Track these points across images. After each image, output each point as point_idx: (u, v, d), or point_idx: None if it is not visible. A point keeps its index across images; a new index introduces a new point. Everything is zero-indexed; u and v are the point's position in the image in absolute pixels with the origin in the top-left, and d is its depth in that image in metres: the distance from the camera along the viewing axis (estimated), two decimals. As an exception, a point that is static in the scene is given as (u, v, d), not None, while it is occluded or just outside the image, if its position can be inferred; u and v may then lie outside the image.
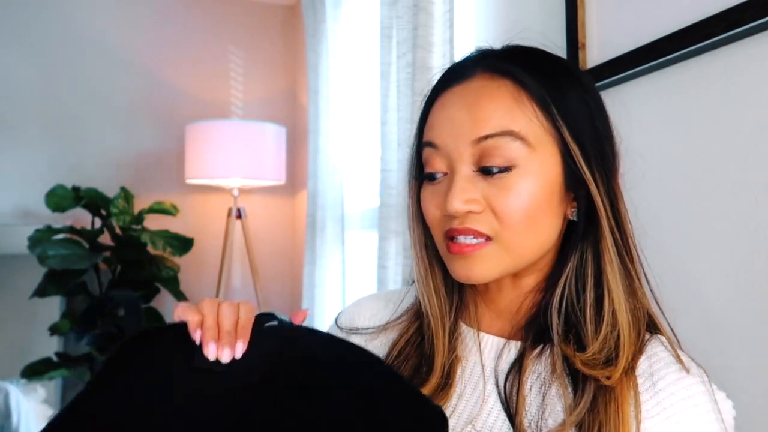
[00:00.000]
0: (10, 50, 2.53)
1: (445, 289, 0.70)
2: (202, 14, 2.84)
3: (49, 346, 2.34)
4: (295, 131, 2.91)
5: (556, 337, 0.62)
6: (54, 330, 2.28)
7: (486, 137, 0.61)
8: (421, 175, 0.68)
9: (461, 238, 0.62)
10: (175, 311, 0.57)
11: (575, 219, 0.65)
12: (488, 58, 0.65)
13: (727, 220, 0.93)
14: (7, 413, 2.15)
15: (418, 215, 0.69)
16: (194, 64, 2.82)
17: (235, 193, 2.53)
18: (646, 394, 0.59)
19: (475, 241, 0.62)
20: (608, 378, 0.58)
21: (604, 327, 0.60)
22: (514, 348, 0.66)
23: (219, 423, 0.51)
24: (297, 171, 2.90)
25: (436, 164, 0.64)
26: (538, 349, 0.63)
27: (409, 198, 0.71)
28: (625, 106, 1.07)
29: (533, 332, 0.65)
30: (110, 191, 2.45)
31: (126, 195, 2.40)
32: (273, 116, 2.88)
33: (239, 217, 2.53)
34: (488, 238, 0.62)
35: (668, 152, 1.02)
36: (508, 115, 0.61)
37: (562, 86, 0.63)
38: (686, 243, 0.99)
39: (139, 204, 2.56)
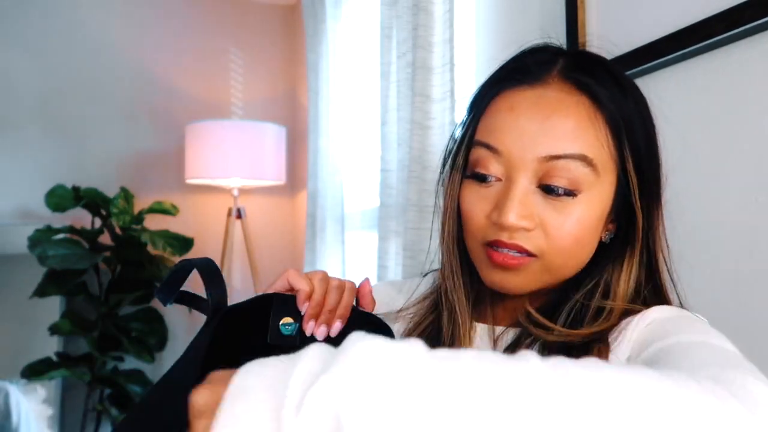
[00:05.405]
0: (10, 50, 2.53)
1: (471, 286, 0.69)
2: (202, 14, 2.84)
3: (49, 346, 2.34)
4: (295, 131, 2.91)
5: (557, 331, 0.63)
6: (54, 330, 2.28)
7: (558, 157, 0.58)
8: (465, 172, 0.64)
9: (505, 250, 0.60)
10: (286, 274, 0.62)
11: (606, 242, 0.64)
12: (565, 64, 0.62)
13: (727, 219, 0.93)
14: (7, 413, 2.15)
15: (456, 211, 0.66)
16: (194, 64, 2.82)
17: (235, 193, 2.53)
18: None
19: (518, 254, 0.60)
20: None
21: (600, 322, 0.61)
22: (512, 333, 0.66)
23: None
24: (297, 171, 2.90)
25: (492, 168, 0.61)
26: (530, 339, 0.64)
27: (447, 190, 0.67)
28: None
29: (530, 323, 0.65)
30: (110, 191, 2.45)
31: (126, 195, 2.40)
32: (273, 116, 2.88)
33: (239, 217, 2.53)
34: (530, 254, 0.60)
35: (667, 152, 1.02)
36: (583, 137, 0.58)
37: (632, 111, 0.61)
38: (685, 241, 0.99)
39: (139, 204, 2.56)
